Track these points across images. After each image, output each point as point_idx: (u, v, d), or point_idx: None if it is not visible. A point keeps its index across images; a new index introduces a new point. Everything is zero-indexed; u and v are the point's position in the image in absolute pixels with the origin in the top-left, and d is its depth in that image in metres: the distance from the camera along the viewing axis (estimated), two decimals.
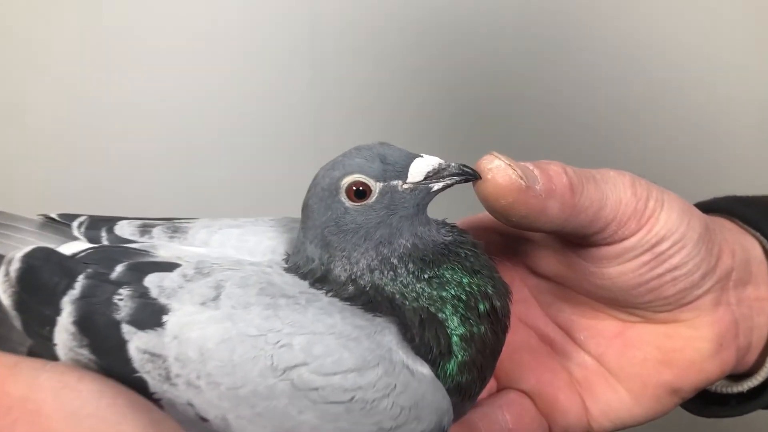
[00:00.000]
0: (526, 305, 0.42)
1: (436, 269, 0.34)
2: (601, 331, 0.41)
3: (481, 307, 0.34)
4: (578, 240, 0.37)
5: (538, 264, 0.41)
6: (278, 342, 0.31)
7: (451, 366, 0.34)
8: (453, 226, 0.37)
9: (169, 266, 0.34)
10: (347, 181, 0.34)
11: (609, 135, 0.73)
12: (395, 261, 0.34)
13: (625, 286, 0.38)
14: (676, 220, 0.36)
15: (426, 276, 0.34)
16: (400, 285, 0.34)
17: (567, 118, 0.72)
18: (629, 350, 0.40)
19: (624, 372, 0.40)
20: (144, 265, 0.34)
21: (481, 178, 0.33)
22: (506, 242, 0.42)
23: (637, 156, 0.72)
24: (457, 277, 0.34)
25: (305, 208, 0.35)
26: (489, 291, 0.35)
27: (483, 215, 0.41)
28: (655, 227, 0.36)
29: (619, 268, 0.37)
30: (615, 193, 0.36)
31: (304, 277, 0.34)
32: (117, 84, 0.70)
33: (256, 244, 0.36)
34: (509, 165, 0.33)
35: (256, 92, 0.72)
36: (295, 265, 0.35)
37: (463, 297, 0.34)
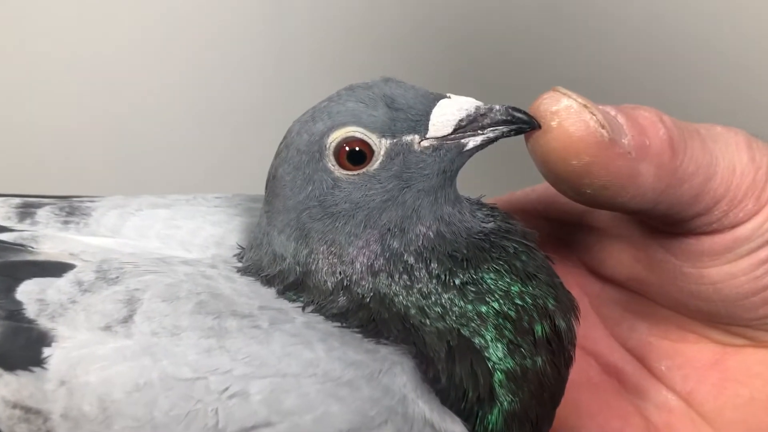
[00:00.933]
0: (585, 322, 0.36)
1: (473, 272, 0.30)
2: (691, 358, 0.36)
3: (539, 329, 0.30)
4: (670, 226, 0.32)
5: (605, 263, 0.36)
6: (226, 390, 0.27)
7: (494, 418, 0.29)
8: (493, 208, 0.32)
9: (56, 268, 0.30)
10: (337, 137, 0.29)
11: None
12: (411, 259, 0.29)
13: (733, 295, 0.33)
14: None
15: (457, 282, 0.30)
16: (417, 295, 0.29)
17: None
18: (731, 386, 0.35)
19: (723, 417, 0.36)
20: (18, 267, 0.30)
21: (540, 127, 0.28)
22: (557, 231, 0.37)
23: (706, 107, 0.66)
24: (503, 284, 0.30)
25: (272, 180, 0.31)
26: (550, 305, 0.30)
27: (522, 194, 0.37)
28: None
29: (726, 269, 0.32)
30: (727, 157, 0.31)
31: (268, 282, 0.30)
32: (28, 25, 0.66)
33: (193, 232, 0.32)
34: (585, 106, 0.28)
35: (196, 10, 0.65)
36: (254, 265, 0.31)
37: (513, 314, 0.29)
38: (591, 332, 0.38)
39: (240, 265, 0.31)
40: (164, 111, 0.67)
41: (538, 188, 0.37)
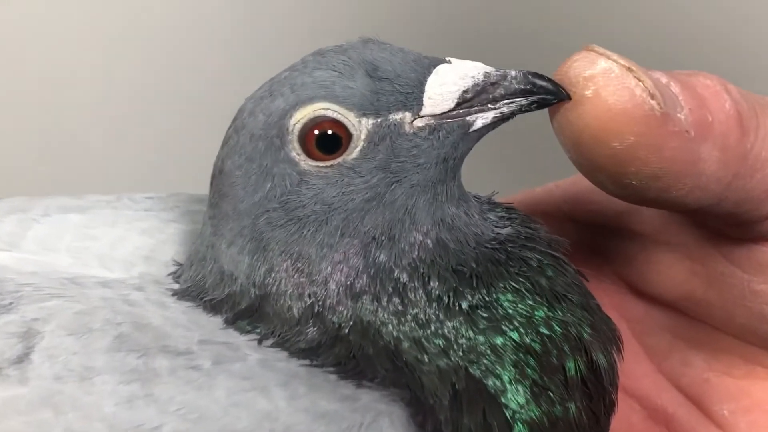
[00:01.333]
0: (625, 355, 0.33)
1: (485, 292, 0.27)
2: (761, 400, 0.32)
3: (571, 366, 0.27)
4: (736, 230, 0.29)
5: (650, 278, 0.33)
6: None
7: None
8: (509, 208, 0.29)
9: None
10: (302, 117, 0.26)
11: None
12: (403, 276, 0.27)
13: None
14: None
15: (465, 305, 0.27)
16: (412, 324, 0.27)
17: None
18: None
19: None
20: None
21: (570, 98, 0.25)
22: (588, 239, 0.33)
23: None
24: (524, 308, 0.27)
25: (218, 176, 0.28)
26: (585, 335, 0.27)
27: (543, 191, 0.35)
28: None
29: None
30: None
31: (213, 309, 0.27)
32: None
33: (115, 244, 0.30)
34: (629, 70, 0.25)
35: None
36: (195, 286, 0.28)
37: (537, 347, 0.27)
38: (633, 367, 0.34)
39: (176, 286, 0.28)
40: (83, 86, 0.63)
41: (563, 183, 0.33)
